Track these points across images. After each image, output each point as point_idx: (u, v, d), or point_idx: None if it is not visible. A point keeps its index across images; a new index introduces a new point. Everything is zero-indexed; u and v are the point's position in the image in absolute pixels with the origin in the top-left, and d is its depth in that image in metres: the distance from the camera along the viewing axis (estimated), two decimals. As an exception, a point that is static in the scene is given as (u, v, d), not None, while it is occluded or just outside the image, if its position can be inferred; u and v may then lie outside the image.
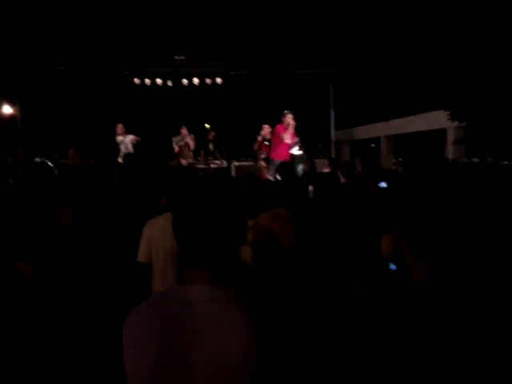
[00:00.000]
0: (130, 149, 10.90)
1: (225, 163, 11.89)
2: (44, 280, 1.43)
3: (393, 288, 2.16)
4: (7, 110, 13.27)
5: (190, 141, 11.29)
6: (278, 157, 9.60)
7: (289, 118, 9.67)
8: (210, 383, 1.19)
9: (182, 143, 11.24)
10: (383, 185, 3.79)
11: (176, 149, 11.29)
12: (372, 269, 2.63)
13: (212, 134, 12.11)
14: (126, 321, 1.29)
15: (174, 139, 11.48)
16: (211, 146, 12.02)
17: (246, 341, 1.19)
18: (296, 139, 10.00)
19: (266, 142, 10.65)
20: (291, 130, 9.69)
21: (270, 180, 7.89)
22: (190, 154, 11.49)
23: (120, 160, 10.40)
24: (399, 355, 1.84)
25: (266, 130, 10.65)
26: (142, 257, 2.77)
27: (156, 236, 2.71)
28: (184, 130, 11.22)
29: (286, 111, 9.80)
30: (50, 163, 3.37)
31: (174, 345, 1.21)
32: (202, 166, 11.39)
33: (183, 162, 11.05)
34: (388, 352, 1.85)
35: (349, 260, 2.92)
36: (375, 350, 1.87)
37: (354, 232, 3.13)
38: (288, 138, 9.70)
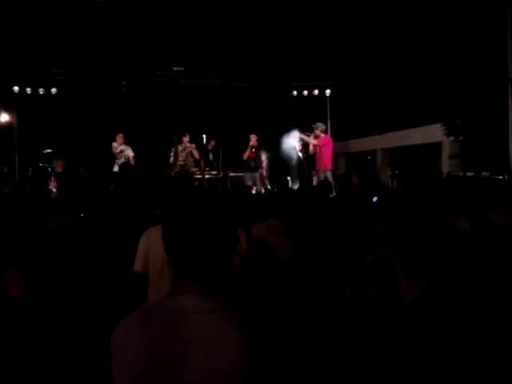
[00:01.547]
0: (130, 159, 10.89)
1: (221, 174, 11.92)
2: (35, 290, 1.43)
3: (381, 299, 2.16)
4: (4, 117, 13.29)
5: (194, 150, 11.27)
6: None
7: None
8: None
9: (185, 152, 11.18)
10: (375, 199, 3.83)
11: (171, 159, 11.21)
12: (361, 278, 2.64)
13: (212, 143, 12.10)
14: (116, 329, 1.28)
15: (174, 148, 11.35)
16: (211, 156, 12.03)
17: (236, 351, 1.19)
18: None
19: (253, 150, 11.27)
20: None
21: (260, 193, 8.02)
22: (192, 163, 11.45)
23: (116, 169, 10.40)
24: (389, 370, 1.84)
25: (253, 138, 11.32)
26: (138, 266, 2.76)
27: (153, 246, 2.70)
28: (186, 138, 11.18)
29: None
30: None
31: (164, 354, 1.21)
32: (199, 176, 11.39)
33: (176, 171, 11.02)
34: (378, 366, 1.85)
35: (338, 270, 2.93)
36: (365, 361, 1.87)
37: (344, 242, 3.14)
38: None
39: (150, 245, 2.73)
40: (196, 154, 11.27)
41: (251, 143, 11.36)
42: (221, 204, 1.32)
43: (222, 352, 1.19)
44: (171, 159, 11.15)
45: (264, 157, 11.46)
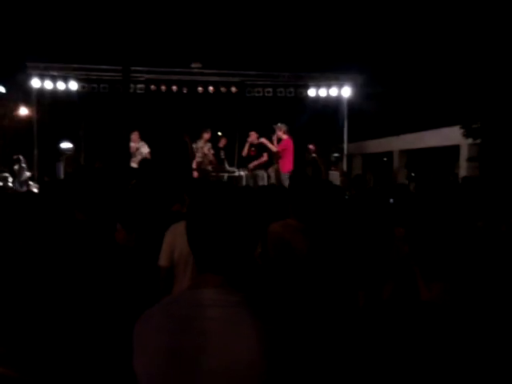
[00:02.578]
0: (146, 155, 10.94)
1: (237, 172, 11.91)
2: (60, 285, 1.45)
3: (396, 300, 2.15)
4: (23, 111, 13.46)
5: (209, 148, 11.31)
6: None
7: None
8: None
9: (206, 148, 11.19)
10: (392, 201, 3.81)
11: (198, 157, 11.18)
12: (375, 279, 2.63)
13: (223, 141, 12.10)
14: (137, 323, 1.31)
15: (195, 145, 11.35)
16: (222, 154, 12.03)
17: (252, 345, 1.20)
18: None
19: (253, 148, 11.00)
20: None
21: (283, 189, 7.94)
22: (206, 161, 11.47)
23: (135, 165, 10.46)
24: (403, 368, 1.83)
25: (253, 136, 11.02)
26: (164, 261, 2.83)
27: (177, 241, 2.76)
28: (207, 135, 11.13)
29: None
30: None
31: (184, 347, 1.23)
32: (215, 174, 11.41)
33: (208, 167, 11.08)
34: (392, 363, 1.84)
35: (352, 270, 2.92)
36: (380, 359, 1.87)
37: (360, 243, 3.13)
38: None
39: (175, 240, 2.79)
40: (210, 155, 11.29)
41: (250, 140, 11.06)
42: (244, 200, 1.33)
43: (238, 346, 1.20)
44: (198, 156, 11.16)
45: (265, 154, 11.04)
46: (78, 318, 1.46)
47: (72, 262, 1.66)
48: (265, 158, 10.92)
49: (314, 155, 12.28)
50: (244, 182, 11.58)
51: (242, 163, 12.15)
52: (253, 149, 11.03)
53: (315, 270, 2.91)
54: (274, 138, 10.52)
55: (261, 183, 10.71)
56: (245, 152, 11.16)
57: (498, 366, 1.67)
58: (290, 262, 2.94)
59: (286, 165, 10.30)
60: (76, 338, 1.43)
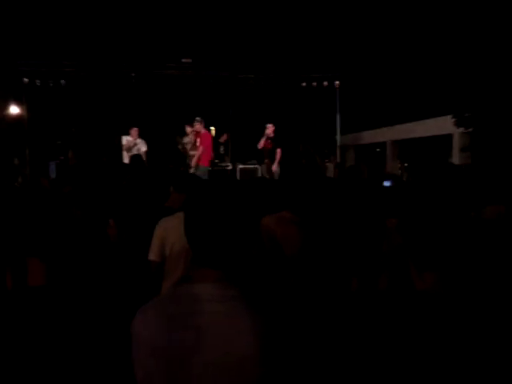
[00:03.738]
0: (142, 154, 10.89)
1: (230, 166, 11.91)
2: (56, 280, 1.45)
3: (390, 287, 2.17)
4: (14, 110, 13.35)
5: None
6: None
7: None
8: (216, 380, 1.20)
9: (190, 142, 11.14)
10: (387, 184, 3.80)
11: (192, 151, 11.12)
12: (368, 268, 2.65)
13: (224, 137, 12.08)
14: (134, 319, 1.31)
15: (182, 140, 11.35)
16: (222, 149, 12.00)
17: (251, 340, 1.20)
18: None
19: (269, 140, 10.86)
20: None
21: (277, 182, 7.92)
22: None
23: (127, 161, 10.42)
24: (399, 358, 1.85)
25: (270, 128, 10.86)
26: (154, 255, 2.79)
27: (169, 235, 2.73)
28: (189, 129, 11.07)
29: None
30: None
31: (180, 341, 1.23)
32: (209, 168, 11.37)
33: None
34: (388, 354, 1.86)
35: (346, 257, 2.94)
36: (375, 350, 1.88)
37: (353, 231, 3.15)
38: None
39: (167, 234, 2.76)
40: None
41: (268, 132, 10.83)
42: (243, 194, 1.33)
43: (236, 340, 1.20)
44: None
45: (279, 149, 10.97)
46: (78, 311, 1.46)
47: (69, 255, 1.66)
48: (278, 153, 10.79)
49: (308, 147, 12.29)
50: (238, 177, 11.60)
51: (236, 158, 12.13)
52: (269, 141, 10.87)
53: (310, 263, 2.92)
54: (193, 132, 10.53)
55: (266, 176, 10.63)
56: (261, 144, 10.95)
57: (492, 354, 1.69)
58: (279, 256, 2.94)
59: (206, 158, 10.39)
60: (70, 331, 1.43)
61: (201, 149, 10.36)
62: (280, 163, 10.70)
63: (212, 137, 12.42)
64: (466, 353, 1.76)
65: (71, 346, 1.31)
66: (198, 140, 10.49)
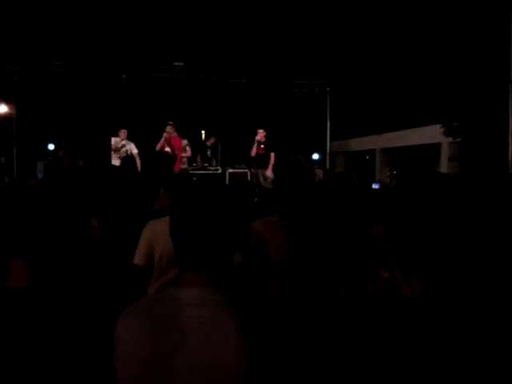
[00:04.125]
0: (135, 156, 10.82)
1: (220, 170, 11.90)
2: (38, 282, 1.43)
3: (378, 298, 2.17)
4: (2, 109, 13.22)
5: (187, 146, 11.22)
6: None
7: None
8: None
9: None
10: (375, 186, 3.82)
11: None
12: (355, 275, 2.65)
13: (211, 140, 12.04)
14: (117, 321, 1.29)
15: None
16: (209, 153, 11.97)
17: (235, 345, 1.19)
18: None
19: (262, 146, 10.76)
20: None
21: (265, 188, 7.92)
22: (184, 159, 11.39)
23: (117, 163, 10.37)
24: (384, 365, 1.85)
25: (261, 134, 10.80)
26: (139, 259, 2.70)
27: (158, 238, 2.65)
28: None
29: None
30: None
31: (164, 346, 1.21)
32: (197, 172, 11.36)
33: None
34: (372, 361, 1.86)
35: (334, 267, 2.94)
36: (364, 357, 1.88)
37: (341, 236, 3.15)
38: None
39: (155, 238, 2.68)
40: (186, 151, 11.18)
41: (258, 138, 10.75)
42: (230, 198, 1.33)
43: (220, 345, 1.19)
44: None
45: (273, 154, 10.82)
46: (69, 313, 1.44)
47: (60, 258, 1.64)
48: (272, 158, 10.67)
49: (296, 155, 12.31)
50: (227, 181, 11.59)
51: (225, 162, 12.10)
52: (262, 146, 10.75)
53: (298, 267, 2.92)
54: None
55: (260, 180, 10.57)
56: (254, 151, 10.82)
57: (480, 358, 1.69)
58: (265, 260, 2.93)
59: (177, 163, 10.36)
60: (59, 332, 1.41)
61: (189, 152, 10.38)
62: (274, 168, 10.61)
63: (203, 140, 12.42)
64: (453, 357, 1.76)
65: (54, 348, 1.30)
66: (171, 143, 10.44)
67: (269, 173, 10.59)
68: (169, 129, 10.50)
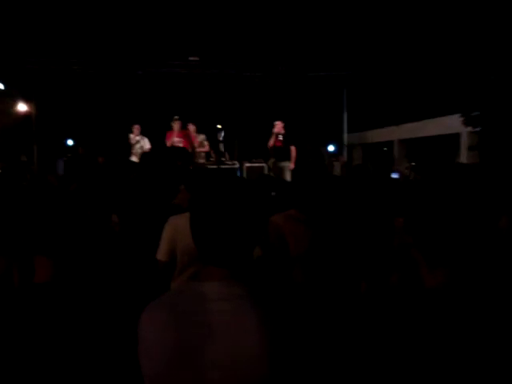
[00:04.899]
0: (146, 149, 10.92)
1: (237, 164, 11.90)
2: (63, 278, 1.45)
3: (399, 290, 2.15)
4: (22, 107, 13.40)
5: (204, 141, 11.28)
6: None
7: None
8: (223, 379, 1.19)
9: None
10: (395, 176, 3.78)
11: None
12: (377, 269, 2.63)
13: (222, 133, 12.06)
14: (141, 317, 1.30)
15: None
16: (221, 147, 11.98)
17: (257, 338, 1.19)
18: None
19: (280, 137, 10.62)
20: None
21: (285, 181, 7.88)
22: (202, 154, 11.45)
23: (135, 159, 10.46)
24: (406, 357, 1.83)
25: (279, 125, 10.67)
26: (162, 255, 2.72)
27: (181, 234, 2.65)
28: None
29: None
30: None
31: (188, 340, 1.22)
32: (214, 166, 11.37)
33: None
34: (395, 354, 1.84)
35: (355, 261, 2.92)
36: (382, 351, 1.87)
37: (362, 229, 3.13)
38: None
39: (177, 233, 2.69)
40: (205, 146, 11.22)
41: (276, 130, 10.58)
42: (248, 192, 1.32)
43: (243, 339, 1.20)
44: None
45: (293, 147, 10.59)
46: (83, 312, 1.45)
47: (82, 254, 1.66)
48: (293, 151, 10.51)
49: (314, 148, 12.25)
50: (245, 175, 11.59)
51: (242, 156, 12.09)
52: (280, 138, 10.56)
53: (318, 261, 2.91)
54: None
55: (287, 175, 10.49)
56: (271, 143, 10.66)
57: (503, 353, 1.67)
58: (284, 254, 2.92)
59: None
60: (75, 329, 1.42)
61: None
62: (295, 161, 10.44)
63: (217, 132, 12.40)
64: (475, 350, 1.74)
65: (75, 344, 1.31)
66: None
67: (292, 167, 10.38)
68: (175, 123, 10.49)
